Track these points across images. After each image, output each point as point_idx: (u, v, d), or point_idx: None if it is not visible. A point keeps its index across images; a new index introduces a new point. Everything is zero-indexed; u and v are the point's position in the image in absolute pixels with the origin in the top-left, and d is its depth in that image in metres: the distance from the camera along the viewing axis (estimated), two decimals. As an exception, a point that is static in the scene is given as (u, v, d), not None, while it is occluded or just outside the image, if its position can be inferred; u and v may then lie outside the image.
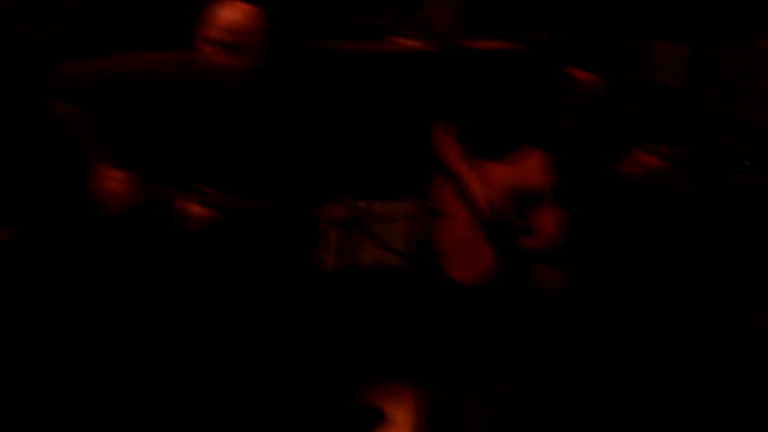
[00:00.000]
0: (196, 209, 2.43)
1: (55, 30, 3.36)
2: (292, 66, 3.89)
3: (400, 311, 2.90)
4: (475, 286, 2.71)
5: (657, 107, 3.05)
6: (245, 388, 2.57)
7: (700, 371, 2.86)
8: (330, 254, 2.20)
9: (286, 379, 2.63)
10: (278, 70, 2.71)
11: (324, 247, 2.19)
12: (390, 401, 2.66)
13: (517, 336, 2.60)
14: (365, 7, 4.39)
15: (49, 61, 2.53)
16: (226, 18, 2.46)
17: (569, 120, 2.62)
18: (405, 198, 2.25)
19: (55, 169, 2.50)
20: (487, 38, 4.34)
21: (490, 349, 2.77)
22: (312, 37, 4.27)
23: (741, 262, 3.40)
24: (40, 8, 3.33)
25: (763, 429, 2.61)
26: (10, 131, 2.79)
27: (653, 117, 2.71)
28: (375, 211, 2.20)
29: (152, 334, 2.43)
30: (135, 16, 3.73)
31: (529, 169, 2.61)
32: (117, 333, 2.47)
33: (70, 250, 2.47)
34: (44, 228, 2.48)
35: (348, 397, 2.66)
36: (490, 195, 2.66)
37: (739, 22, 3.99)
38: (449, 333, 2.87)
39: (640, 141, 2.50)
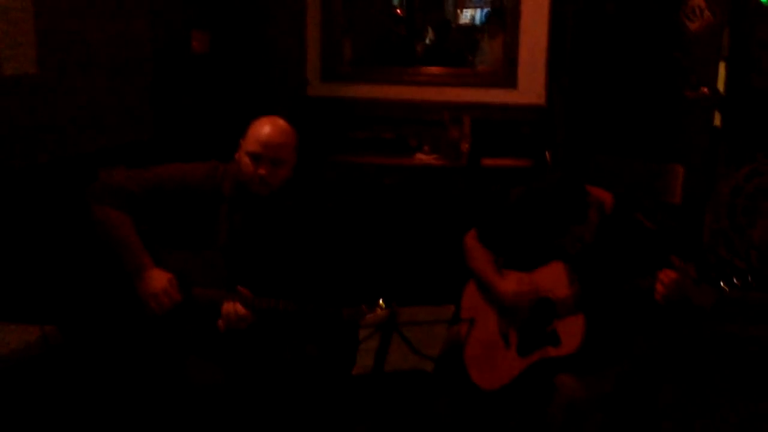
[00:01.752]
0: (236, 310, 2.50)
1: (100, 138, 3.53)
2: (313, 176, 4.07)
3: (427, 415, 2.93)
4: (497, 393, 2.75)
5: (667, 224, 3.15)
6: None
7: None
8: (366, 357, 2.25)
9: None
10: (301, 179, 2.84)
11: (360, 348, 2.24)
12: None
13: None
14: (393, 124, 4.63)
15: (96, 168, 2.65)
16: (265, 133, 2.63)
17: (587, 233, 2.71)
18: (439, 303, 2.31)
19: (100, 270, 2.57)
20: (497, 156, 4.55)
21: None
22: (335, 151, 4.49)
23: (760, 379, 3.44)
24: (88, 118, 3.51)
25: None
26: (58, 233, 2.89)
27: (665, 233, 2.80)
28: (410, 316, 2.26)
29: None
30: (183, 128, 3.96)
31: (553, 280, 2.70)
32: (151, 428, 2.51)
33: (113, 350, 2.52)
34: (88, 327, 2.54)
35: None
36: (515, 303, 2.74)
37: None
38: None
39: (660, 256, 2.60)
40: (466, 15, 7.94)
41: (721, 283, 2.45)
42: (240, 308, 2.49)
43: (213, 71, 4.31)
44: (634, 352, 2.75)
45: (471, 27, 7.40)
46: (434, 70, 4.99)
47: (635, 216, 2.76)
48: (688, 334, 3.46)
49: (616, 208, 2.76)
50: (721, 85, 4.54)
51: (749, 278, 2.42)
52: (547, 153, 4.38)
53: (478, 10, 7.43)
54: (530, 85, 4.68)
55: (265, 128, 2.64)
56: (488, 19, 6.27)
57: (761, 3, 4.24)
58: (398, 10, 7.10)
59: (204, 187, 2.67)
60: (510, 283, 2.76)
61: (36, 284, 2.81)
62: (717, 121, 4.52)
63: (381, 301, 2.40)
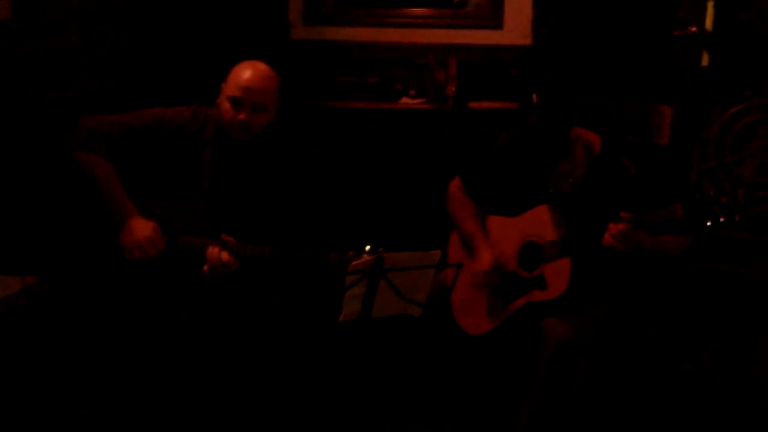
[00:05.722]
0: (221, 257, 2.48)
1: (78, 83, 3.47)
2: (296, 121, 4.02)
3: (414, 360, 2.94)
4: (484, 337, 2.76)
5: (653, 165, 3.12)
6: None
7: (704, 427, 2.91)
8: (353, 304, 2.23)
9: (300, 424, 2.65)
10: (284, 124, 2.80)
11: (346, 295, 2.22)
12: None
13: (528, 387, 2.64)
14: (378, 67, 4.57)
15: (76, 114, 2.61)
16: (245, 78, 2.59)
17: (577, 171, 2.69)
18: (426, 249, 2.29)
19: (82, 216, 2.54)
20: (484, 98, 4.50)
21: (502, 400, 2.80)
22: (319, 96, 4.43)
23: (746, 318, 3.47)
24: (64, 63, 3.45)
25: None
26: (36, 180, 2.85)
27: (650, 175, 2.77)
28: (396, 261, 2.24)
29: (174, 379, 2.47)
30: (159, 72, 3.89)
31: (539, 224, 2.69)
32: (137, 374, 2.51)
33: (97, 299, 2.51)
34: (71, 277, 2.52)
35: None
36: (497, 249, 2.73)
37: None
38: (462, 383, 2.90)
39: (640, 201, 2.58)
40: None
41: (708, 222, 2.44)
42: (225, 255, 2.48)
43: (193, 15, 4.22)
44: (620, 293, 2.75)
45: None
46: (419, 11, 4.88)
47: (620, 160, 2.73)
48: (672, 274, 3.49)
49: (604, 150, 2.74)
50: (709, 23, 4.49)
51: (735, 216, 2.41)
52: (534, 95, 4.33)
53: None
54: (517, 25, 4.60)
55: (246, 73, 2.59)
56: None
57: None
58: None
59: (186, 131, 2.64)
60: (490, 251, 2.74)
61: (15, 234, 2.77)
62: (705, 60, 4.48)
63: (368, 248, 2.38)
